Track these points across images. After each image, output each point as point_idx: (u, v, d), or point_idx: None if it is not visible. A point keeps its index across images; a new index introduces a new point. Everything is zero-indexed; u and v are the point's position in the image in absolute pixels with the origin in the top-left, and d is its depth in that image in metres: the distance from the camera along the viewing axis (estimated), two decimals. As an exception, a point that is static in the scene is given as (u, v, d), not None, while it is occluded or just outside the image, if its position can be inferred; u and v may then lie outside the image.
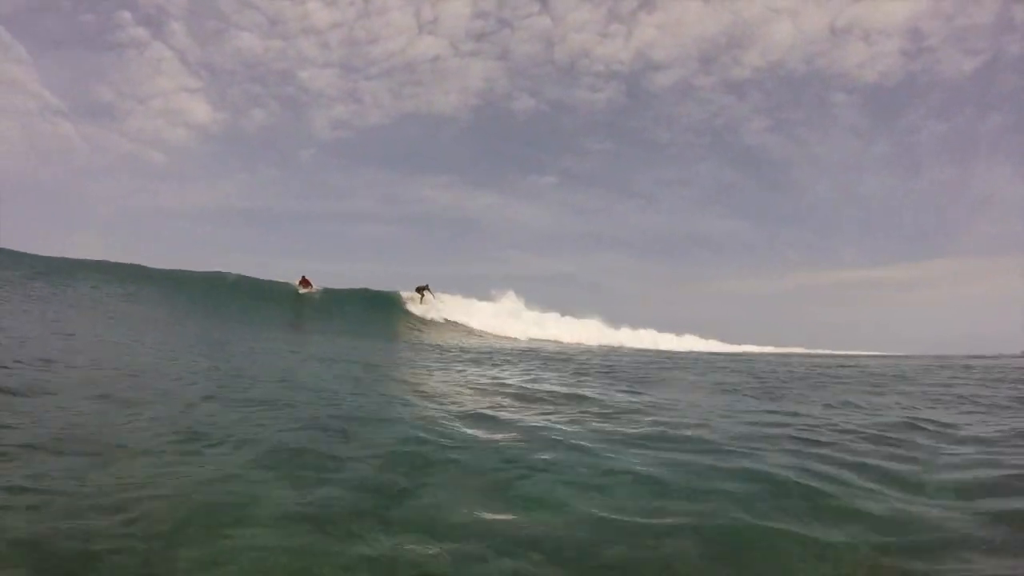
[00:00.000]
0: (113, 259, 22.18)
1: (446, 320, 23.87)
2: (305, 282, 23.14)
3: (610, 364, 11.86)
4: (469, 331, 23.16)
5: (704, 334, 31.01)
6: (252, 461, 3.27)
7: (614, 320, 28.55)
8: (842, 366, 14.24)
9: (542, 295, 26.85)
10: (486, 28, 64.24)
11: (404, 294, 25.03)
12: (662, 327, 29.66)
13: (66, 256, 21.73)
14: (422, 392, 6.27)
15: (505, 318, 25.64)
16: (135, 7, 59.90)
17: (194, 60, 61.93)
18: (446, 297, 25.66)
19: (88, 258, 21.95)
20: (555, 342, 22.60)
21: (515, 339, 22.69)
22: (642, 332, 28.71)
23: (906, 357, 23.16)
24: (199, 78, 63.04)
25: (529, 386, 7.06)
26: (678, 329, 30.41)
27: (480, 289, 26.26)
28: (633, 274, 73.69)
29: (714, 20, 64.48)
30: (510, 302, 27.18)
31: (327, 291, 23.59)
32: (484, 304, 26.58)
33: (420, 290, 25.15)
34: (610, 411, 5.43)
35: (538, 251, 72.01)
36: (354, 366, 8.92)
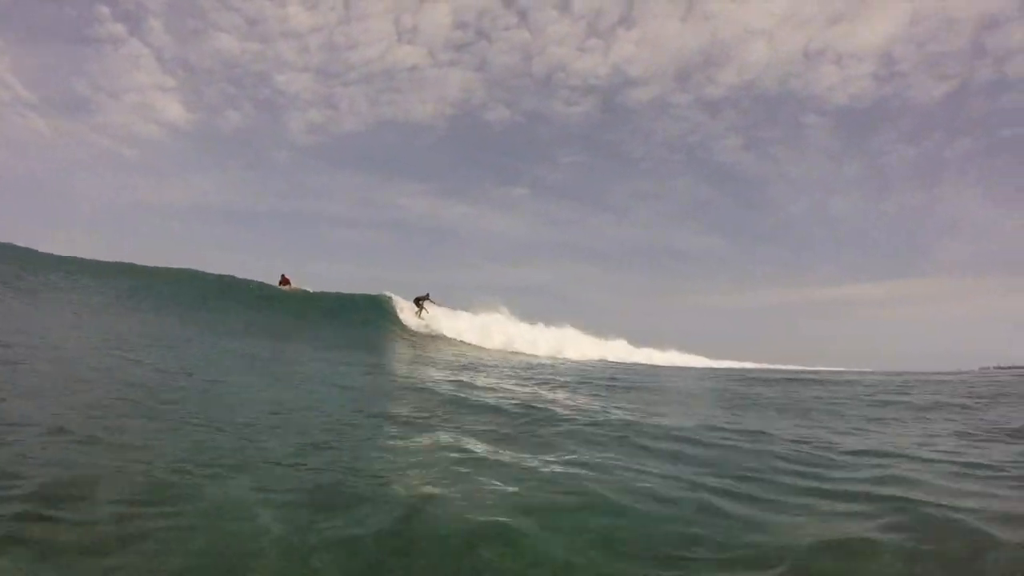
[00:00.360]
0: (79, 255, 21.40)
1: (449, 336, 21.55)
2: (285, 280, 22.73)
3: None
4: (477, 347, 21.00)
5: (681, 348, 32.07)
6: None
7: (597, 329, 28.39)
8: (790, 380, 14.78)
9: (516, 306, 26.48)
10: (465, 39, 64.45)
11: (397, 299, 22.84)
12: (639, 340, 30.39)
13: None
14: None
15: (512, 331, 24.03)
16: (114, 3, 58.32)
17: (170, 58, 60.62)
18: (443, 309, 23.22)
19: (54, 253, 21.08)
20: (555, 358, 21.37)
21: (532, 355, 20.94)
22: (673, 354, 29.99)
23: (869, 373, 23.92)
24: (174, 77, 61.66)
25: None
26: (654, 343, 31.28)
27: (457, 300, 25.65)
28: (607, 286, 74.76)
29: (691, 38, 65.98)
30: (503, 315, 25.52)
31: (319, 294, 22.48)
32: (488, 315, 24.77)
33: (419, 301, 22.71)
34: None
35: (512, 261, 72.40)
36: (342, 395, 7.25)
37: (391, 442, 4.65)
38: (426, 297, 22.90)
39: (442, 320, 22.51)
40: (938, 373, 20.69)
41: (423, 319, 22.23)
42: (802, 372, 22.74)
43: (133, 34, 58.97)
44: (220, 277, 21.26)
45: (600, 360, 22.77)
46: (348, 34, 63.49)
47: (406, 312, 22.22)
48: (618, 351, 27.51)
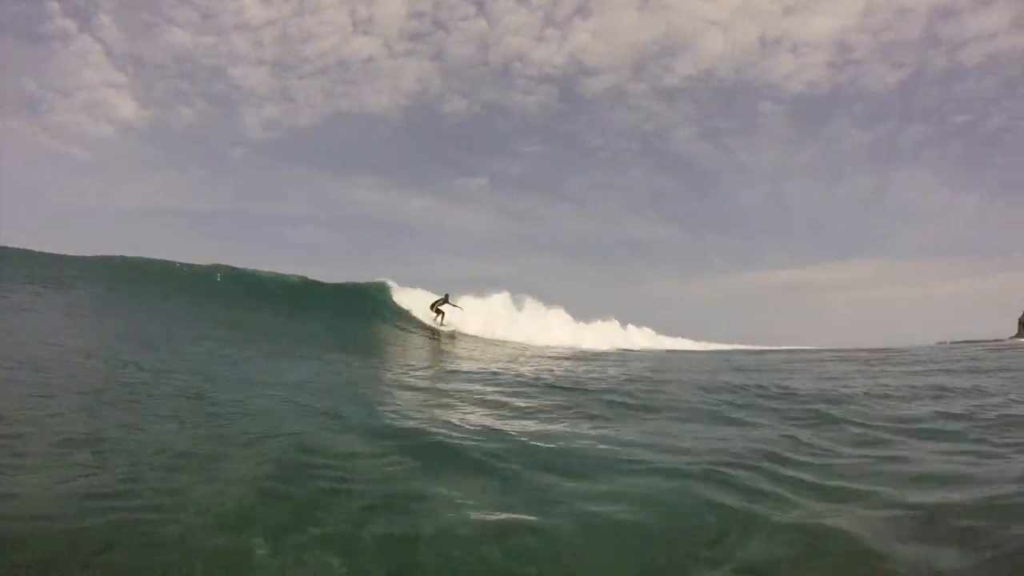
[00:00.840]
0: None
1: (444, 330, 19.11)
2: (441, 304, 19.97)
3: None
4: (490, 341, 18.69)
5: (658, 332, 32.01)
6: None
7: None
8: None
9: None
10: (421, 29, 63.09)
11: (391, 284, 20.79)
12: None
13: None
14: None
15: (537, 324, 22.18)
16: (64, -4, 54.71)
17: (122, 54, 57.53)
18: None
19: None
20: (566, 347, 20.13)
21: (555, 347, 19.42)
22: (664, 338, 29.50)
23: (816, 351, 24.14)
24: (126, 73, 58.56)
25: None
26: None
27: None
28: (567, 277, 75.11)
29: (648, 28, 65.95)
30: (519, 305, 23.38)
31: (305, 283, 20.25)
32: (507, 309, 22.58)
33: (437, 306, 19.23)
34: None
35: (471, 254, 72.00)
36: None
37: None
38: (445, 300, 19.36)
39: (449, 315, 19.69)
40: (886, 351, 21.38)
41: (444, 326, 18.83)
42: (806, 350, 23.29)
43: (84, 30, 56.15)
44: (193, 266, 19.27)
45: (616, 349, 21.65)
46: (302, 26, 61.72)
47: (407, 302, 20.26)
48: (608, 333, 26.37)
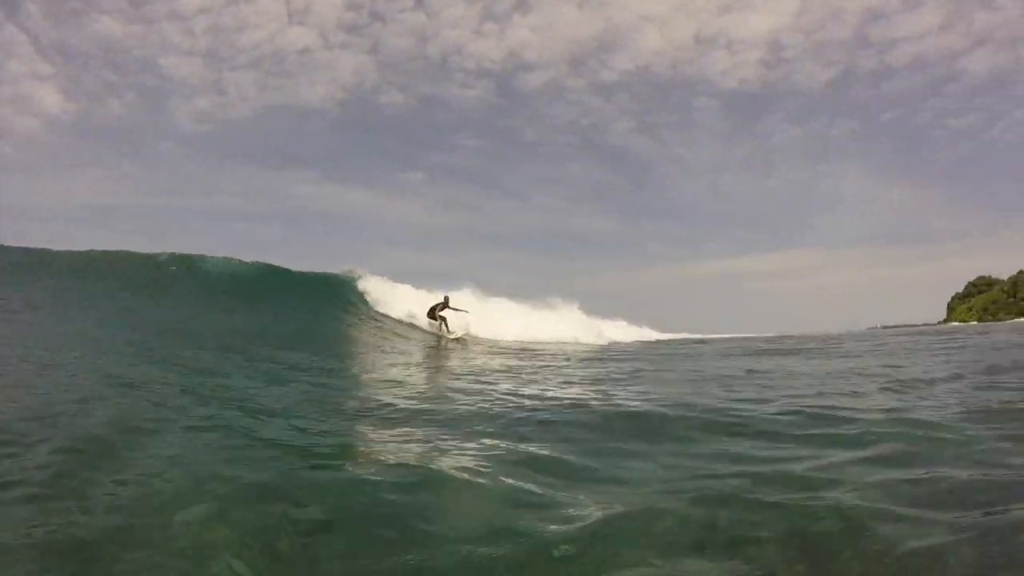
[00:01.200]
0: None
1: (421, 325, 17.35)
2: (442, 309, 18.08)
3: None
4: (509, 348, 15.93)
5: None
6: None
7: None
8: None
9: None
10: (358, 20, 60.27)
11: (370, 278, 18.80)
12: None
13: None
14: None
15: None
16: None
17: (48, 44, 52.92)
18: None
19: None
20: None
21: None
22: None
23: (751, 339, 24.29)
24: (52, 63, 53.90)
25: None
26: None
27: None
28: (511, 269, 75.00)
29: (586, 24, 65.49)
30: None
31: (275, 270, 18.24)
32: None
33: (437, 311, 16.88)
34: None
35: (413, 247, 70.78)
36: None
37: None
38: (445, 304, 16.93)
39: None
40: (842, 334, 21.55)
41: (451, 333, 16.53)
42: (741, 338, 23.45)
43: (9, 19, 51.39)
44: (149, 257, 17.36)
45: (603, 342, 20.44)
46: (237, 15, 58.52)
47: (378, 293, 18.43)
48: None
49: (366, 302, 18.31)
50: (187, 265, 17.19)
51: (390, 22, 58.15)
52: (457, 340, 16.23)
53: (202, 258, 17.55)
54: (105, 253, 17.26)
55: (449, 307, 17.07)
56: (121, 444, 3.65)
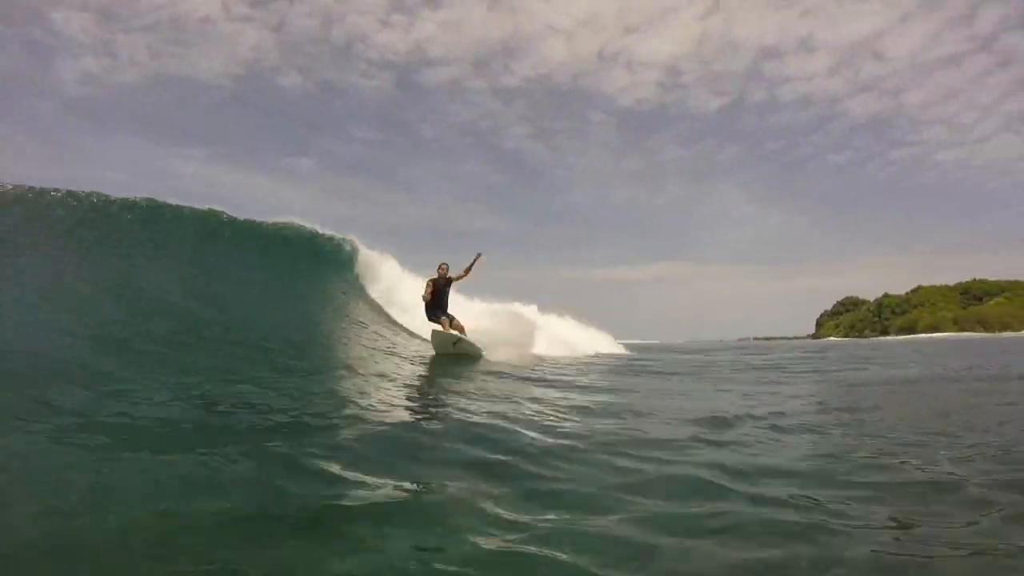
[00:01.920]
0: None
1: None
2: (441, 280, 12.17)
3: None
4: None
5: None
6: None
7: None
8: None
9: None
10: None
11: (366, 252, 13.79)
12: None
13: None
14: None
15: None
16: None
17: None
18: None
19: None
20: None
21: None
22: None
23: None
24: None
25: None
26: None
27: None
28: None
29: (495, 27, 64.48)
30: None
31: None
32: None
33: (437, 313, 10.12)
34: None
35: None
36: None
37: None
38: (447, 281, 10.12)
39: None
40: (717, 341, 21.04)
41: (456, 342, 9.60)
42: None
43: None
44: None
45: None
46: None
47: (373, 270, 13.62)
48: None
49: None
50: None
51: (297, 1, 51.34)
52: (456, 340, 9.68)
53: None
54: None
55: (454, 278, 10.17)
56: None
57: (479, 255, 10.26)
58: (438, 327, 9.57)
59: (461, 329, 9.86)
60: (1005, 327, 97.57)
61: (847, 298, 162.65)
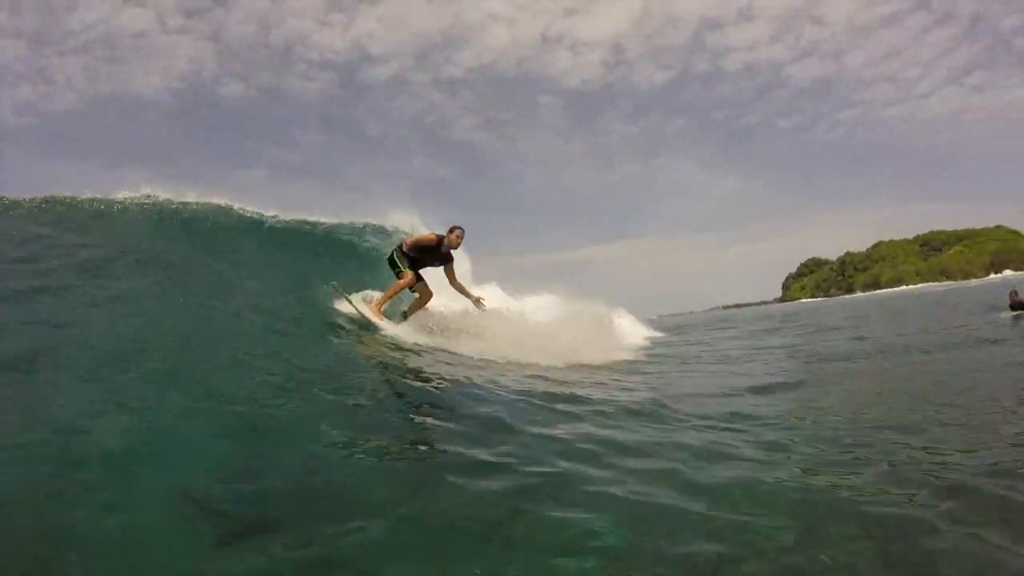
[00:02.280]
0: None
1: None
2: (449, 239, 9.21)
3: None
4: None
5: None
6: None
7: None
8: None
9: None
10: (199, 3, 49.99)
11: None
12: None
13: None
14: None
15: None
16: None
17: None
18: None
19: None
20: None
21: None
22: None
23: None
24: None
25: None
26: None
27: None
28: None
29: (435, 19, 62.85)
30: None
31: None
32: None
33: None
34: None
35: None
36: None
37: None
38: (446, 248, 7.22)
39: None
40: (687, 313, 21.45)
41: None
42: None
43: None
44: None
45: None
46: None
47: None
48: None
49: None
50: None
51: (233, 7, 48.31)
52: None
53: None
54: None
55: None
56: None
57: (480, 301, 7.46)
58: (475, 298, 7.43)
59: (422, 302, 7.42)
60: (968, 275, 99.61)
61: (810, 259, 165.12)
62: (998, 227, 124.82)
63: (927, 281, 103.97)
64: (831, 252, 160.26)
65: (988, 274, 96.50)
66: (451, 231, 7.17)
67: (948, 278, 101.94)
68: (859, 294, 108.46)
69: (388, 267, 7.33)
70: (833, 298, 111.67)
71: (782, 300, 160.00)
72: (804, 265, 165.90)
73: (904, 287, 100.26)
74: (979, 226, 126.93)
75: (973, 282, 79.49)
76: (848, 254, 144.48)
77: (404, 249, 7.19)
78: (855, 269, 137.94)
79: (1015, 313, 11.25)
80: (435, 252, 7.18)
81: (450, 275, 7.35)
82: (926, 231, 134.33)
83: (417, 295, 7.35)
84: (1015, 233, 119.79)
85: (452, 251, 7.21)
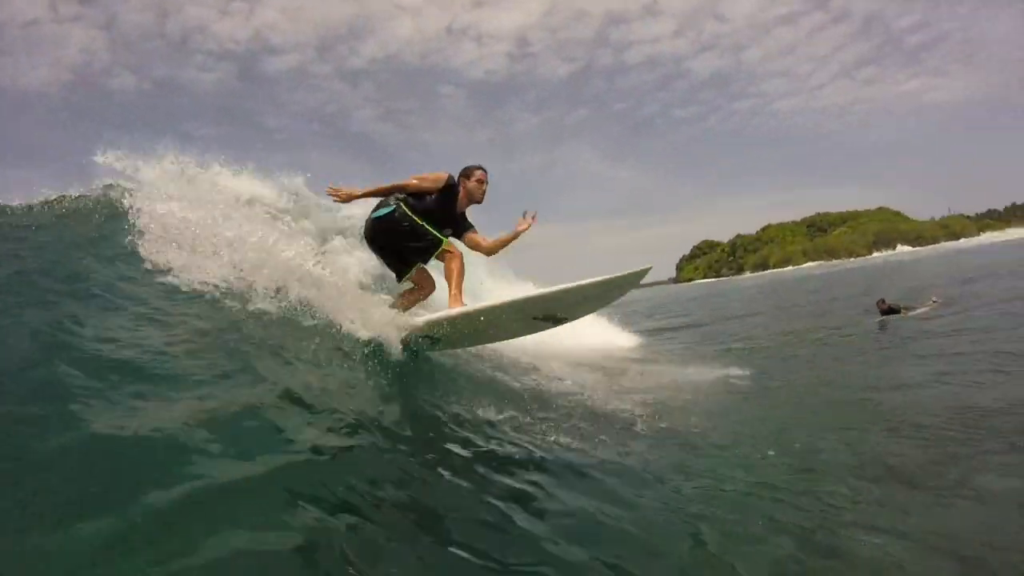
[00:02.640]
0: None
1: None
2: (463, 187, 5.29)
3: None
4: None
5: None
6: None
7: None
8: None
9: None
10: None
11: None
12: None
13: None
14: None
15: None
16: None
17: None
18: None
19: None
20: None
21: None
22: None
23: None
24: None
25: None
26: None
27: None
28: None
29: (338, 9, 57.19)
30: None
31: None
32: None
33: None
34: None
35: None
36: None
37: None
38: (457, 220, 4.67)
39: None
40: None
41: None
42: None
43: None
44: None
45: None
46: None
47: None
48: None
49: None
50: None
51: None
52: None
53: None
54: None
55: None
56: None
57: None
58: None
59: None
60: (851, 254, 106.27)
61: (704, 242, 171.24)
62: (880, 208, 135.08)
63: (813, 260, 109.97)
64: (724, 235, 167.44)
65: (871, 252, 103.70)
66: (468, 174, 4.41)
67: (833, 257, 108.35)
68: (748, 275, 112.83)
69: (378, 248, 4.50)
70: (726, 278, 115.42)
71: (676, 281, 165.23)
72: (697, 247, 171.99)
73: (791, 267, 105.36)
74: (862, 208, 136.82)
75: (854, 261, 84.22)
76: (739, 236, 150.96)
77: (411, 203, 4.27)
78: (745, 251, 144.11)
79: (880, 319, 11.98)
80: (446, 209, 4.32)
81: (475, 243, 4.48)
82: (812, 213, 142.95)
83: (412, 285, 4.63)
84: (897, 214, 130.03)
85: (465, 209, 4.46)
